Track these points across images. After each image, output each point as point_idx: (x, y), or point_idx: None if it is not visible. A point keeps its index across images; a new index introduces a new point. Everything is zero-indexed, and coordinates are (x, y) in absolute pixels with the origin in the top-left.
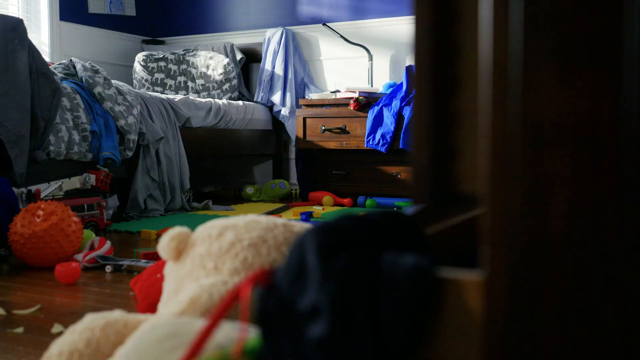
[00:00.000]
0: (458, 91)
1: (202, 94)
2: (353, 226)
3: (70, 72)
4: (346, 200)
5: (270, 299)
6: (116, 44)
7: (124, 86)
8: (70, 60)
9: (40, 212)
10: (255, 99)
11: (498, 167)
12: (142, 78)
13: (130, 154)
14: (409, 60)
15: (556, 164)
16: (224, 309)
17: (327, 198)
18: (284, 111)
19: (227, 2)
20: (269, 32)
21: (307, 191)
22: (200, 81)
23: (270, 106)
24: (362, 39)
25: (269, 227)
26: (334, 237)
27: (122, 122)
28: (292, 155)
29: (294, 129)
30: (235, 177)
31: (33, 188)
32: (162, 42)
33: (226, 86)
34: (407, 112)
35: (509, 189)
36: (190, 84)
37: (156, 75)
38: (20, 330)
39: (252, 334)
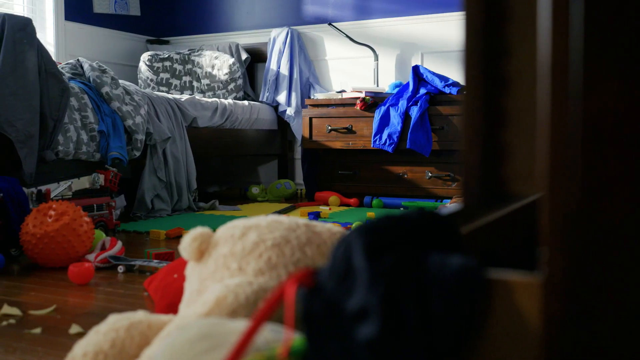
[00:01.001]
0: (507, 91)
1: (207, 94)
2: (395, 226)
3: (77, 72)
4: (352, 200)
5: (315, 300)
6: (121, 43)
7: (131, 86)
8: (78, 60)
9: (52, 212)
10: (260, 99)
11: (557, 166)
12: (148, 78)
13: (137, 153)
14: (415, 60)
15: (616, 163)
16: (268, 310)
17: (333, 198)
18: (289, 111)
19: (232, 2)
20: (274, 32)
21: (313, 191)
22: (205, 81)
23: (275, 106)
24: (368, 39)
25: (292, 227)
26: (379, 237)
27: (129, 122)
28: (297, 155)
29: (299, 129)
30: (240, 177)
31: (43, 188)
32: (166, 42)
33: (231, 86)
34: (413, 112)
35: (568, 188)
36: (195, 83)
37: (161, 75)
38: (37, 330)
39: (294, 335)
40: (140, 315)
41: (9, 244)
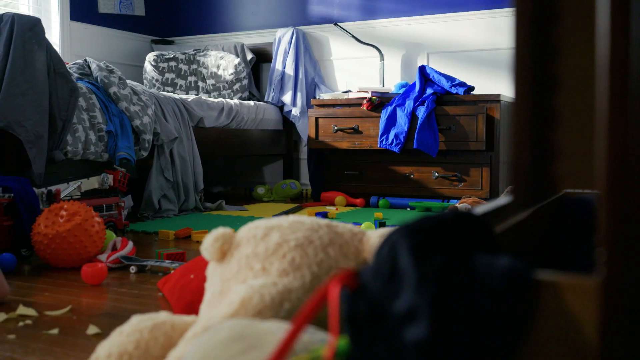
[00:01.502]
0: (557, 90)
1: (212, 94)
2: (436, 227)
3: (85, 72)
4: (358, 201)
5: (360, 301)
6: (126, 44)
7: (138, 86)
8: (85, 60)
9: (63, 213)
10: (265, 99)
11: (615, 166)
12: (153, 78)
13: (145, 154)
14: (421, 60)
15: None
16: (311, 311)
17: (340, 198)
18: (295, 111)
19: (236, 2)
20: (280, 32)
21: (319, 191)
22: (210, 81)
23: (280, 106)
24: (373, 39)
25: (314, 227)
26: (424, 238)
27: (137, 122)
28: (302, 155)
29: (304, 129)
30: (245, 177)
31: (53, 188)
32: (171, 42)
33: (237, 86)
34: (420, 112)
35: (627, 188)
36: (200, 84)
37: (167, 75)
38: (55, 331)
39: (338, 337)
40: (163, 316)
41: (20, 244)
